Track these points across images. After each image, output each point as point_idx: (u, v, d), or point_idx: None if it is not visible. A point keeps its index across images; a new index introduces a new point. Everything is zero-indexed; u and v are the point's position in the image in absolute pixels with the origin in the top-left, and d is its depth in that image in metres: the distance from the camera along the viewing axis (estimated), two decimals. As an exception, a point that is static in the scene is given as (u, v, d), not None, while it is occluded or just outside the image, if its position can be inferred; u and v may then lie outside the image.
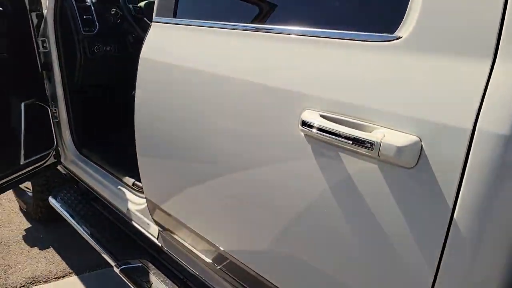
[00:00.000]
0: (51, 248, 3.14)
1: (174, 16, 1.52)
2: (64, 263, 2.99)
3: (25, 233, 3.29)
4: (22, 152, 2.34)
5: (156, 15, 1.59)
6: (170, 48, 1.50)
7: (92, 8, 2.57)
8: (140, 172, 1.82)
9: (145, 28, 2.51)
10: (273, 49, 1.15)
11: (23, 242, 3.18)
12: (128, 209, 2.23)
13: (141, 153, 1.75)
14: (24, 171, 2.45)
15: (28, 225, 3.41)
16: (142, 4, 2.57)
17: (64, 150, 2.80)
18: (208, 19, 1.41)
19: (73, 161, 2.78)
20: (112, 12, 2.57)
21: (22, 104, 2.32)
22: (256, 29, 1.22)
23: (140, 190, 2.21)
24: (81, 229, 2.65)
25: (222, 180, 1.34)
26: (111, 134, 3.08)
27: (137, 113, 1.67)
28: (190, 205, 1.61)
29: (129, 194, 2.31)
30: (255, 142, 1.17)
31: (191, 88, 1.39)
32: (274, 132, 1.09)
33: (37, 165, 2.56)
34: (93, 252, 2.86)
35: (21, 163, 2.34)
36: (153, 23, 1.61)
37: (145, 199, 2.10)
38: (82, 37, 2.51)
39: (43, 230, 3.33)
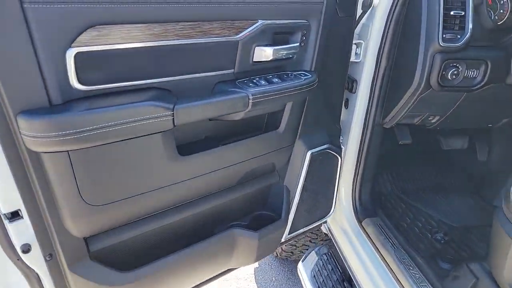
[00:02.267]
0: (280, 306, 2.42)
1: None
2: None
3: (257, 266, 2.69)
4: (289, 225, 1.48)
5: None
6: None
7: (470, -2, 1.34)
8: None
9: None
10: None
11: (253, 280, 2.57)
12: None
13: None
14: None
15: (263, 253, 2.81)
16: None
17: (335, 205, 1.85)
18: None
19: (344, 230, 1.81)
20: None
21: (308, 154, 1.42)
22: None
23: None
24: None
25: None
26: (428, 208, 1.90)
27: None
28: None
29: None
30: None
31: None
32: None
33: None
34: None
35: (283, 240, 1.49)
36: None
37: None
38: (434, 50, 1.36)
39: (277, 272, 2.65)
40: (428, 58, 1.37)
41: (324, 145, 1.46)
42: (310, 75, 1.27)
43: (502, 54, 1.40)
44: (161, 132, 0.99)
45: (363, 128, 1.69)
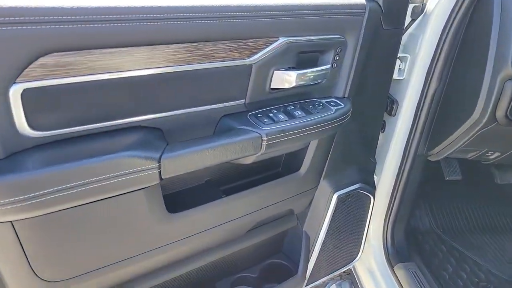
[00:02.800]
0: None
1: None
2: None
3: None
4: (307, 277, 1.24)
5: None
6: None
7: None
8: None
9: None
10: None
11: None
12: None
13: None
14: None
15: None
16: None
17: (363, 249, 1.58)
18: None
19: (371, 272, 1.55)
20: None
21: (335, 197, 1.16)
22: None
23: None
24: None
25: None
26: (474, 253, 1.60)
27: None
28: None
29: None
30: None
31: None
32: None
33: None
34: None
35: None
36: None
37: None
38: (506, 76, 1.06)
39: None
40: (496, 85, 1.07)
41: (354, 184, 1.20)
42: (343, 104, 1.01)
43: None
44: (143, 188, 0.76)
45: (402, 158, 1.40)
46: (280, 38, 0.86)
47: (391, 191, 1.47)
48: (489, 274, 1.48)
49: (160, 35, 0.69)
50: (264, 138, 0.84)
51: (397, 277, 1.46)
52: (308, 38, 0.90)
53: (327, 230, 1.20)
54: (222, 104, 0.85)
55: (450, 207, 1.76)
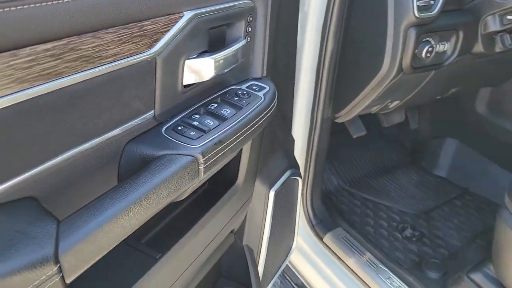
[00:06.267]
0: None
1: None
2: None
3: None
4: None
5: None
6: None
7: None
8: None
9: None
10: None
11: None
12: None
13: None
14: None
15: None
16: None
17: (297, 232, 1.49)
18: None
19: (302, 250, 1.48)
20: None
21: (272, 195, 0.98)
22: None
23: None
24: None
25: None
26: (381, 197, 1.63)
27: None
28: None
29: None
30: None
31: None
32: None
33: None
34: None
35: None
36: None
37: None
38: (408, 23, 1.00)
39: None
40: (400, 33, 1.02)
41: (285, 172, 1.04)
42: (267, 86, 0.80)
43: (471, 19, 1.14)
44: None
45: (311, 125, 1.31)
46: (185, 12, 0.58)
47: (303, 162, 1.38)
48: (401, 214, 1.57)
49: None
50: (200, 160, 0.58)
51: (329, 248, 1.42)
52: (217, 7, 0.65)
53: (270, 234, 1.02)
54: (122, 126, 0.55)
55: (348, 159, 1.79)
